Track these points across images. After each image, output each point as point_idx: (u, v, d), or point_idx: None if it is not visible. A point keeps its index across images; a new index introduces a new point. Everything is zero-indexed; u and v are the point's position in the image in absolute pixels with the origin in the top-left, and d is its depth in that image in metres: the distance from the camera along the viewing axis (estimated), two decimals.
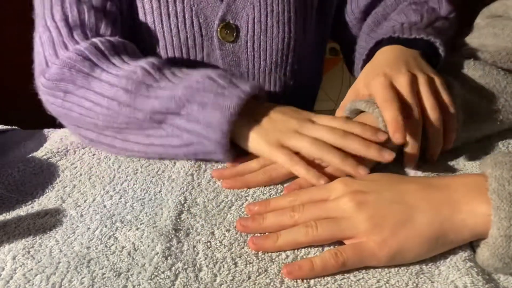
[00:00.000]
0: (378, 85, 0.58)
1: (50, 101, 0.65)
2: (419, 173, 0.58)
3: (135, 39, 0.74)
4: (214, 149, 0.58)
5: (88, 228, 0.52)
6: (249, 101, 0.58)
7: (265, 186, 0.58)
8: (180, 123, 0.59)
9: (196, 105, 0.57)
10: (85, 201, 0.56)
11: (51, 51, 0.65)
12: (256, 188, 0.58)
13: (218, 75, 0.60)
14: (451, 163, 0.60)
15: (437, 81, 0.59)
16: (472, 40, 0.70)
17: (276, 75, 0.80)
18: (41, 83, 0.64)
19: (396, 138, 0.54)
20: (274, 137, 0.59)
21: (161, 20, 0.74)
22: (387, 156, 0.54)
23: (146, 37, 0.75)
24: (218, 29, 0.74)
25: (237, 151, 0.61)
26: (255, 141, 0.59)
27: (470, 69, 0.61)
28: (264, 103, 0.64)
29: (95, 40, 0.65)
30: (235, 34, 0.75)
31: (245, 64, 0.78)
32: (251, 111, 0.60)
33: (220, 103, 0.57)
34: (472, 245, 0.47)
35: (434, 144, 0.58)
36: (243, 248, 0.48)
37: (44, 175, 0.62)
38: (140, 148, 0.63)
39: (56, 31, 0.66)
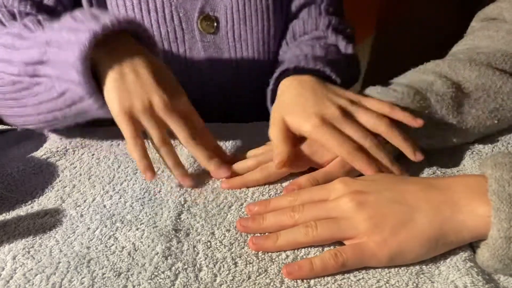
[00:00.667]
0: (329, 135, 0.56)
1: None
2: (419, 174, 0.58)
3: None
4: (79, 92, 0.53)
5: (88, 228, 0.52)
6: (120, 38, 0.55)
7: (264, 186, 0.58)
8: (48, 71, 0.54)
9: (55, 47, 0.53)
10: (84, 201, 0.56)
11: None
12: (256, 188, 0.58)
13: (81, 11, 0.56)
14: (451, 163, 0.60)
15: (363, 100, 0.59)
16: (467, 42, 0.70)
17: (260, 63, 0.80)
18: None
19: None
20: (129, 102, 0.54)
21: (142, 16, 0.74)
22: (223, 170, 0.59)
23: None
24: (198, 21, 0.75)
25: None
26: (110, 92, 0.54)
27: (466, 70, 0.61)
28: (139, 46, 0.58)
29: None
30: (215, 25, 0.76)
31: (228, 55, 0.79)
32: (118, 51, 0.55)
33: (72, 40, 0.52)
34: (472, 245, 0.47)
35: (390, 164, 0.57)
36: (243, 248, 0.48)
37: (43, 175, 0.62)
38: (33, 110, 0.59)
39: None
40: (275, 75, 0.67)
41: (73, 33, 0.52)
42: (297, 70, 0.64)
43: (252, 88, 0.81)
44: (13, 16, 0.64)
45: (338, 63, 0.69)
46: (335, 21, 0.81)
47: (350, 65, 0.76)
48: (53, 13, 0.68)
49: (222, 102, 0.83)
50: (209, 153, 0.58)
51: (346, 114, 0.57)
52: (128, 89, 0.54)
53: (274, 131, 0.59)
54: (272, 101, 0.65)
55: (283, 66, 0.67)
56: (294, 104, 0.59)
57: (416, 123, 0.55)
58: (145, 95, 0.54)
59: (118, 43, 0.56)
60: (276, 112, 0.60)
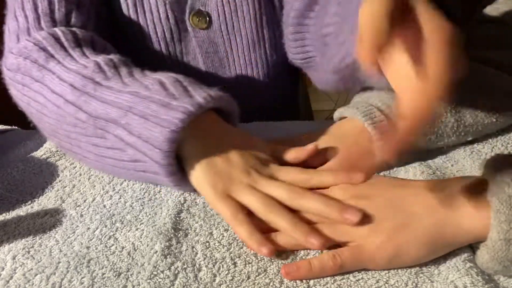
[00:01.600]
0: None
1: (13, 94, 0.61)
2: (418, 175, 0.58)
3: (118, 38, 0.75)
4: (157, 170, 0.51)
5: (88, 228, 0.52)
6: (207, 117, 0.53)
7: None
8: (122, 134, 0.51)
9: (138, 115, 0.50)
10: (84, 201, 0.56)
11: (14, 38, 0.62)
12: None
13: (174, 81, 0.53)
14: (451, 163, 0.60)
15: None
16: (466, 43, 0.70)
17: (256, 54, 0.79)
18: (4, 73, 0.62)
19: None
20: (223, 184, 0.51)
21: (138, 17, 0.74)
22: (350, 216, 0.46)
23: (129, 34, 0.76)
24: (190, 18, 0.75)
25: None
26: (201, 178, 0.52)
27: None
28: (227, 125, 0.57)
29: (57, 30, 0.61)
30: (207, 20, 0.75)
31: (223, 49, 0.78)
32: (206, 132, 0.53)
33: (163, 116, 0.49)
34: (471, 246, 0.47)
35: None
36: (242, 248, 0.48)
37: (43, 175, 0.62)
38: (95, 158, 0.56)
39: (23, 20, 0.63)
40: None
41: (164, 108, 0.50)
42: None
43: (251, 80, 0.81)
44: (76, 41, 0.60)
45: None
46: None
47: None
48: (91, 16, 0.68)
49: None
50: (324, 200, 0.49)
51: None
52: (219, 172, 0.52)
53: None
54: None
55: None
56: None
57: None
58: (237, 176, 0.52)
59: (205, 123, 0.54)
60: None
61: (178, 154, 0.52)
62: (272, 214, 0.49)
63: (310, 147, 0.55)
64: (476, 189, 0.45)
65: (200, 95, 0.51)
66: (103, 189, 0.58)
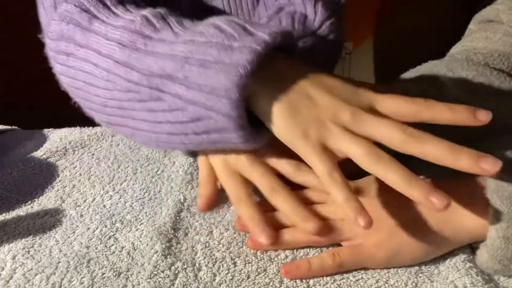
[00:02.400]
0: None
1: (58, 71, 0.55)
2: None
3: None
4: (225, 125, 0.43)
5: (88, 228, 0.52)
6: (273, 57, 0.44)
7: None
8: (180, 91, 0.44)
9: (196, 65, 0.43)
10: (84, 201, 0.57)
11: (51, 10, 0.55)
12: (254, 188, 0.58)
13: (228, 21, 0.45)
14: None
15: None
16: (465, 43, 0.70)
17: None
18: (47, 47, 0.55)
19: None
20: (315, 130, 0.43)
21: None
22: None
23: None
24: None
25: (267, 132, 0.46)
26: (285, 125, 0.43)
27: (464, 70, 0.61)
28: (298, 62, 0.47)
29: None
30: None
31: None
32: (279, 74, 0.45)
33: (226, 61, 0.42)
34: (471, 246, 0.47)
35: None
36: (241, 247, 0.49)
37: (43, 175, 0.62)
38: (149, 128, 0.49)
39: None
40: None
41: (225, 52, 0.42)
42: None
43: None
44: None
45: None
46: None
47: (317, 39, 0.62)
48: None
49: None
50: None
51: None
52: (306, 119, 0.43)
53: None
54: None
55: None
56: None
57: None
58: (328, 116, 0.43)
59: (274, 64, 0.46)
60: None
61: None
62: (379, 167, 0.41)
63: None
64: (475, 187, 0.45)
65: (264, 31, 0.43)
66: (103, 189, 0.58)
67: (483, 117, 0.40)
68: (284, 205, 0.47)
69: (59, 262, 0.47)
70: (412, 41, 1.13)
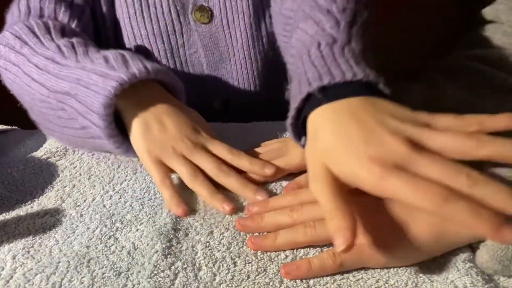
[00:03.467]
0: (387, 183, 0.39)
1: (2, 78, 0.68)
2: None
3: (115, 31, 0.79)
4: (98, 133, 0.57)
5: (88, 228, 0.52)
6: (148, 86, 0.59)
7: (263, 185, 0.58)
8: (74, 105, 0.57)
9: (83, 86, 0.57)
10: (84, 201, 0.56)
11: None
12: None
13: (118, 55, 0.59)
14: None
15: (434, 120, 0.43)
16: (465, 44, 0.71)
17: (256, 49, 0.81)
18: None
19: None
20: (157, 150, 0.57)
21: (142, 11, 0.77)
22: (260, 196, 0.54)
23: (128, 29, 0.78)
24: (193, 12, 0.77)
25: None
26: (137, 142, 0.58)
27: (464, 69, 0.62)
28: (168, 96, 0.62)
29: (32, 21, 0.68)
30: (209, 15, 0.78)
31: (224, 43, 0.80)
32: (145, 101, 0.59)
33: (100, 85, 0.55)
34: (471, 246, 0.47)
35: None
36: (242, 247, 0.49)
37: (43, 175, 0.62)
38: (59, 130, 0.63)
39: (17, 13, 0.71)
40: (294, 105, 0.50)
41: (102, 78, 0.56)
42: (326, 92, 0.47)
43: (250, 75, 0.83)
44: (47, 30, 0.67)
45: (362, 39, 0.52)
46: None
47: (363, 4, 0.59)
48: (83, 12, 0.74)
49: (222, 94, 0.84)
50: (242, 181, 0.56)
51: (417, 147, 0.40)
52: (154, 138, 0.57)
53: (320, 188, 0.43)
54: (298, 136, 0.52)
55: (300, 86, 0.49)
56: (339, 148, 0.43)
57: None
58: (170, 144, 0.57)
59: (143, 92, 0.59)
60: (316, 159, 0.45)
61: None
62: (195, 184, 0.55)
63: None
64: None
65: (136, 66, 0.57)
66: (103, 189, 0.58)
67: None
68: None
69: (59, 262, 0.47)
70: (411, 41, 1.13)
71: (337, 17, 0.54)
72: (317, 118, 0.46)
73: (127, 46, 0.79)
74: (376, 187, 0.40)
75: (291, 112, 0.50)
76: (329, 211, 0.41)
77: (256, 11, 0.78)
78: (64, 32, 0.68)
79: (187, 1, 0.77)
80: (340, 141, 0.43)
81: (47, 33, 0.66)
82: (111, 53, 0.60)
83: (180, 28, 0.78)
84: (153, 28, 0.77)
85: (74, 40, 0.65)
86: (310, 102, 0.48)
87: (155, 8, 0.76)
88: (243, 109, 0.84)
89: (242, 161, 0.57)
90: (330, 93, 0.46)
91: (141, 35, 0.78)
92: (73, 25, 0.71)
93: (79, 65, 0.60)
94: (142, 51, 0.79)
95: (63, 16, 0.71)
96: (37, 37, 0.66)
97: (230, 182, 0.56)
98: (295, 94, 0.49)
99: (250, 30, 0.79)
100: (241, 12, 0.78)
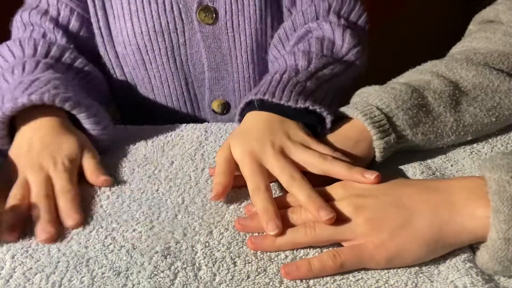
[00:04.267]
0: (247, 167, 0.55)
1: None
2: (418, 176, 0.58)
3: (115, 29, 0.79)
4: None
5: (85, 228, 0.52)
6: (41, 115, 0.61)
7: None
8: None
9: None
10: (82, 201, 0.56)
11: None
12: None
13: (17, 74, 0.65)
14: (450, 163, 0.60)
15: (303, 142, 0.57)
16: (465, 44, 0.71)
17: (258, 54, 0.81)
18: None
19: (269, 229, 0.48)
20: (21, 167, 0.58)
21: (143, 7, 0.76)
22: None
23: (128, 25, 0.77)
24: (197, 12, 0.76)
25: None
26: (10, 155, 0.60)
27: (463, 70, 0.62)
28: (51, 123, 0.62)
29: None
30: (214, 16, 0.76)
31: (226, 46, 0.79)
32: (29, 125, 0.61)
33: (3, 101, 0.60)
34: (472, 247, 0.47)
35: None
36: (241, 247, 0.48)
37: None
38: None
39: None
40: (241, 105, 0.64)
41: (7, 95, 0.60)
42: (263, 103, 0.61)
43: (251, 78, 0.83)
44: (20, 43, 0.71)
45: (320, 85, 0.65)
46: (336, 3, 0.76)
47: (344, 65, 0.72)
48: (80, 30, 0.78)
49: (222, 96, 0.84)
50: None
51: (281, 153, 0.55)
52: (20, 157, 0.59)
53: (219, 155, 0.58)
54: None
55: (251, 93, 0.63)
56: (241, 136, 0.58)
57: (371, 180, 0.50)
58: (30, 166, 0.58)
59: (34, 119, 0.62)
60: (229, 137, 0.61)
61: None
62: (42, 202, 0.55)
63: None
64: (475, 189, 0.45)
65: (26, 97, 0.59)
66: (100, 189, 0.58)
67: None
68: (300, 193, 0.51)
69: (58, 262, 0.47)
70: (411, 41, 1.13)
71: (311, 61, 0.68)
72: (248, 116, 0.61)
73: (126, 43, 0.78)
74: (238, 161, 0.56)
75: (238, 110, 0.65)
76: (217, 173, 0.56)
77: (262, 17, 0.77)
78: (50, 50, 0.71)
79: (192, 1, 0.76)
80: (245, 132, 0.59)
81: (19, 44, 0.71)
82: (16, 71, 0.65)
83: (182, 26, 0.77)
84: (154, 25, 0.76)
85: (23, 64, 0.67)
86: (250, 105, 0.62)
87: (157, 5, 0.75)
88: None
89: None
90: (265, 105, 0.61)
91: (141, 32, 0.77)
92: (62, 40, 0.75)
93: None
94: (141, 48, 0.78)
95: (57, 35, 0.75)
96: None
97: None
98: (246, 97, 0.64)
99: (255, 35, 0.78)
100: (247, 16, 0.77)
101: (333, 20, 0.75)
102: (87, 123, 0.63)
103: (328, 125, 0.60)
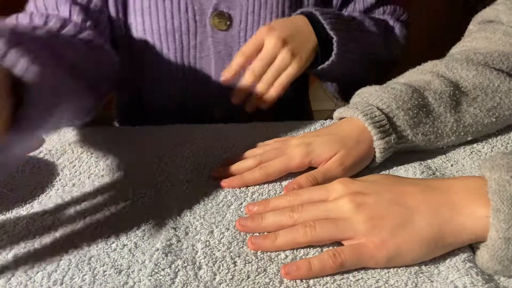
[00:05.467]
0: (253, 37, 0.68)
1: None
2: (418, 176, 0.58)
3: (126, 22, 0.77)
4: None
5: (88, 227, 0.52)
6: None
7: (263, 185, 0.58)
8: None
9: None
10: (84, 200, 0.56)
11: None
12: (255, 188, 0.58)
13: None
14: (450, 163, 0.60)
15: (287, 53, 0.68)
16: (465, 44, 0.71)
17: None
18: None
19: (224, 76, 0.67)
20: None
21: (157, 5, 0.74)
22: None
23: (138, 20, 0.76)
24: (211, 17, 0.75)
25: None
26: None
27: (464, 70, 0.62)
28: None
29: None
30: (228, 23, 0.76)
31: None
32: None
33: None
34: (472, 246, 0.47)
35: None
36: (242, 247, 0.49)
37: (43, 174, 0.62)
38: None
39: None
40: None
41: None
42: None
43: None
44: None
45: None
46: (390, 8, 0.86)
47: (386, 38, 0.81)
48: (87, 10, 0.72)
49: (225, 104, 0.84)
50: None
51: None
52: None
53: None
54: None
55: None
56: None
57: None
58: None
59: None
60: None
61: None
62: None
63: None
64: (475, 189, 0.45)
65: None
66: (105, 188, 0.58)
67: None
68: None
69: (60, 260, 0.47)
70: (411, 40, 1.13)
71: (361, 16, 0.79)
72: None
73: (135, 38, 0.77)
74: None
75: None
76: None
77: None
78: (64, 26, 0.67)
79: (208, 4, 0.75)
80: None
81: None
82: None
83: (195, 28, 0.76)
84: (166, 24, 0.75)
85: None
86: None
87: (171, 4, 0.74)
88: (243, 120, 0.83)
89: None
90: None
91: (151, 30, 0.76)
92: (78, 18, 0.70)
93: None
94: (149, 46, 0.77)
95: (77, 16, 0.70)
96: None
97: None
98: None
99: None
100: (262, 26, 0.74)
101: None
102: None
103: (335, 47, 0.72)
